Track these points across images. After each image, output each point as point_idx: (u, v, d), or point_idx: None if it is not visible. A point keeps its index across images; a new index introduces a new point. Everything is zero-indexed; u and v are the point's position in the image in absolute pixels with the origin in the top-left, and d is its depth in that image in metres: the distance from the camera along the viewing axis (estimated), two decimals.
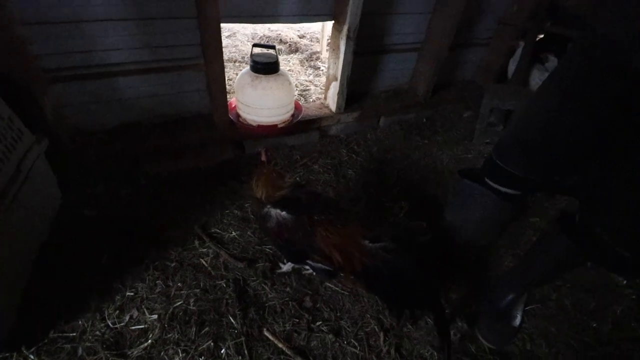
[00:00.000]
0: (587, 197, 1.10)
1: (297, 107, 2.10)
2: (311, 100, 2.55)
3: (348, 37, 1.90)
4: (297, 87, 2.73)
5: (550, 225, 1.26)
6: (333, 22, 1.97)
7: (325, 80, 2.27)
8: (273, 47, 1.83)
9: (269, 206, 1.15)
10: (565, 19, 2.26)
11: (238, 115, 1.96)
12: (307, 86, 2.76)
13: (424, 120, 2.45)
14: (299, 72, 3.01)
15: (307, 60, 3.19)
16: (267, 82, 1.79)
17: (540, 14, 2.28)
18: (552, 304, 1.42)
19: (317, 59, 3.20)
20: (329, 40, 2.07)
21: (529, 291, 1.35)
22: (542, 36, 2.56)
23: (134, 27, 1.56)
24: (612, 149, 1.04)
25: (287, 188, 1.18)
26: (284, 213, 1.11)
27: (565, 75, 1.02)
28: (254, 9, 1.73)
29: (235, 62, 3.02)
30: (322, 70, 2.99)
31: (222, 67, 1.73)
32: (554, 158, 1.09)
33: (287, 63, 3.12)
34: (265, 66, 1.78)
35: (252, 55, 1.81)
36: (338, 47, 1.97)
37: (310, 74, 2.97)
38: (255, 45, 1.82)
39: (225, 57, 2.95)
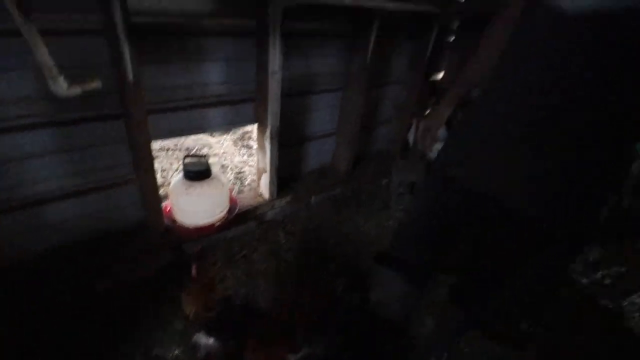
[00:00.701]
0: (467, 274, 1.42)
1: (233, 201, 2.26)
2: (247, 182, 2.74)
3: (272, 137, 2.17)
4: (231, 170, 2.90)
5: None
6: (257, 124, 2.25)
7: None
8: (204, 157, 2.01)
9: (196, 334, 1.23)
10: None
11: (174, 220, 2.04)
12: (241, 168, 2.95)
13: (350, 194, 2.78)
14: (233, 153, 3.20)
15: (239, 140, 3.42)
16: (201, 188, 1.94)
17: (425, 99, 2.90)
18: (466, 356, 1.69)
19: (249, 138, 3.44)
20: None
21: (448, 350, 1.61)
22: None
23: (64, 158, 1.60)
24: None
25: (216, 307, 1.27)
26: (211, 341, 1.20)
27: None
28: (183, 127, 1.92)
29: (167, 150, 3.10)
30: (255, 148, 3.23)
31: (155, 181, 1.84)
32: (425, 241, 1.36)
33: (221, 146, 3.31)
34: (198, 174, 1.93)
35: (184, 164, 1.95)
36: (264, 146, 2.23)
37: (244, 154, 3.18)
38: (187, 156, 1.98)
39: (157, 146, 3.04)
